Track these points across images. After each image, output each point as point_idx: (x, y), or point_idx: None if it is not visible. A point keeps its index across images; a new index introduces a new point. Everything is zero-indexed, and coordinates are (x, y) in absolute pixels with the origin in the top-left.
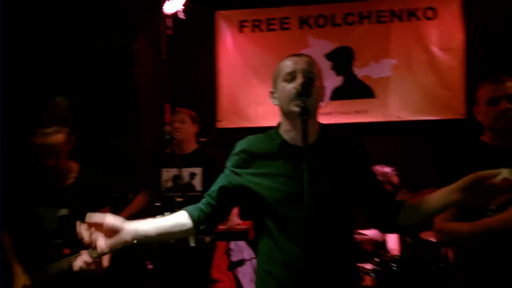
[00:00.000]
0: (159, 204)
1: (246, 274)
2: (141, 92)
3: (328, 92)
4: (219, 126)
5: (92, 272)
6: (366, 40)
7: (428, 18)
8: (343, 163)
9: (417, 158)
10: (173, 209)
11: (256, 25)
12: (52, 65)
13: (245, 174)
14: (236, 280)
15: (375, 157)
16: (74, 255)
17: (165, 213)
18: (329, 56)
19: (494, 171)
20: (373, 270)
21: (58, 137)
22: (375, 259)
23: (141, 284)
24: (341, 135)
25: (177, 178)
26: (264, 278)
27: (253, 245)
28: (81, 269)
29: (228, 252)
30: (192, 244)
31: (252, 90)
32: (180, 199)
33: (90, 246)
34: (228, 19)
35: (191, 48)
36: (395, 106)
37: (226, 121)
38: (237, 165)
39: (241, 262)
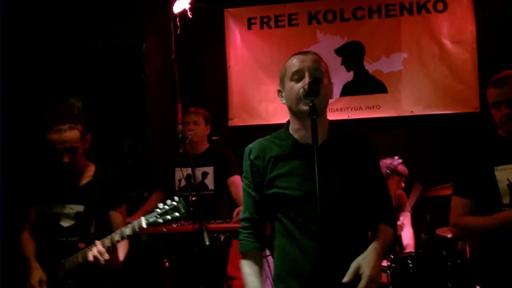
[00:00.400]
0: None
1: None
2: (151, 92)
3: (338, 88)
4: (231, 124)
5: (107, 265)
6: (376, 34)
7: (439, 11)
8: (353, 160)
9: (430, 153)
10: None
11: (264, 22)
12: (63, 65)
13: (264, 179)
14: None
15: (387, 152)
16: (88, 247)
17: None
18: (338, 51)
19: None
20: (388, 267)
21: (72, 133)
22: (390, 255)
23: (158, 281)
24: (351, 133)
25: (190, 177)
26: (283, 277)
27: (268, 242)
28: (95, 259)
29: None
30: (207, 242)
31: (263, 88)
32: (194, 198)
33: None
34: (236, 16)
35: (200, 47)
36: (407, 101)
37: (237, 119)
38: (256, 174)
39: None
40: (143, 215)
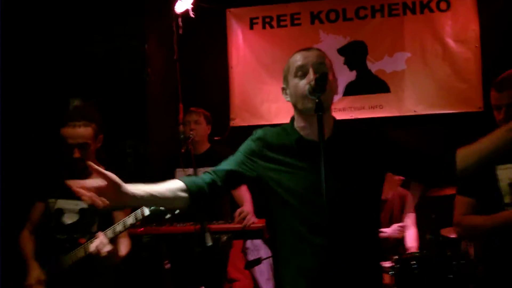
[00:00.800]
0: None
1: (263, 272)
2: (153, 92)
3: (341, 88)
4: (233, 125)
5: (108, 258)
6: (379, 33)
7: (442, 10)
8: (361, 155)
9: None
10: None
11: (266, 22)
12: (65, 66)
13: (260, 164)
14: (253, 278)
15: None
16: (89, 240)
17: None
18: (341, 51)
19: None
20: (392, 268)
21: (86, 130)
22: (394, 256)
23: (159, 282)
24: (356, 128)
25: None
26: (289, 278)
27: (269, 243)
28: (97, 250)
29: (244, 251)
30: (209, 243)
31: (265, 88)
32: None
33: (91, 202)
34: (238, 16)
35: (202, 47)
36: (411, 100)
37: (239, 119)
38: (253, 153)
39: (258, 261)
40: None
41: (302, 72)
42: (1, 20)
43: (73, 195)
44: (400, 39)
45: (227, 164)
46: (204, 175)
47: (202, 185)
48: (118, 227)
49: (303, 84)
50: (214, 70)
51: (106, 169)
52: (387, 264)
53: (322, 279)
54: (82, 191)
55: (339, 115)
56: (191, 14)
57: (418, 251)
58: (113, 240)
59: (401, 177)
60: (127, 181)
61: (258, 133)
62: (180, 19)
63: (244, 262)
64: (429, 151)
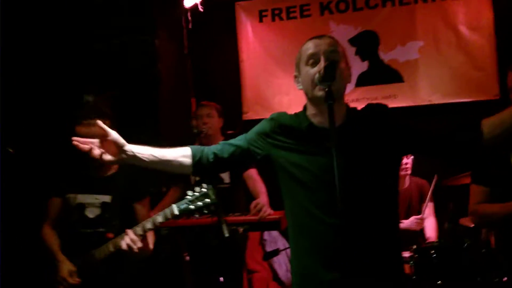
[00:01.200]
0: None
1: (281, 263)
2: (164, 87)
3: (353, 78)
4: (245, 118)
5: (139, 253)
6: (390, 23)
7: None
8: (374, 141)
9: None
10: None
11: (276, 14)
12: (76, 62)
13: (272, 143)
14: (272, 270)
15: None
16: (119, 236)
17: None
18: (352, 41)
19: None
20: (410, 258)
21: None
22: (413, 246)
23: (178, 275)
24: (367, 112)
25: None
26: (300, 257)
27: (286, 234)
28: (128, 247)
29: (262, 242)
30: (227, 234)
31: (276, 80)
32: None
33: (90, 155)
34: (247, 9)
35: (212, 41)
36: (425, 90)
37: (252, 113)
38: (265, 133)
39: (276, 252)
40: (163, 209)
41: (313, 60)
42: (10, 14)
43: (93, 190)
44: (412, 28)
45: (238, 140)
46: (214, 146)
47: (207, 154)
48: (148, 224)
49: (314, 72)
50: (225, 64)
51: (120, 166)
52: (406, 254)
53: (336, 258)
54: (82, 141)
55: (352, 106)
56: (200, 8)
57: (437, 240)
58: (143, 236)
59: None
60: (142, 176)
61: (273, 115)
62: (189, 14)
63: (262, 253)
64: (450, 127)
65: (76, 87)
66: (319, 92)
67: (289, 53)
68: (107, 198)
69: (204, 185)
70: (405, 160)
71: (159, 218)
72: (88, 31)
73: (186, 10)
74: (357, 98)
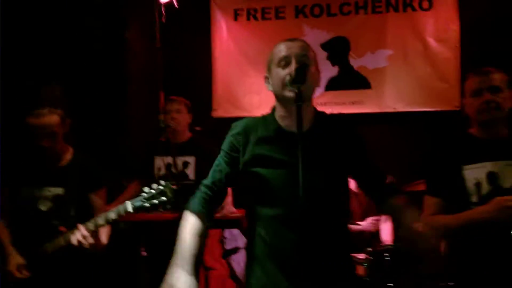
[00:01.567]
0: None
1: (240, 262)
2: (133, 80)
3: (323, 83)
4: (214, 115)
5: (90, 249)
6: (362, 30)
7: (424, 9)
8: (337, 148)
9: (412, 149)
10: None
11: (251, 14)
12: (43, 52)
13: (242, 159)
14: (230, 267)
15: (370, 147)
16: (71, 231)
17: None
18: (324, 46)
19: None
20: (365, 260)
21: (52, 118)
22: (368, 249)
23: (135, 270)
24: (335, 121)
25: (170, 166)
26: (260, 258)
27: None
28: (79, 243)
29: (222, 240)
30: None
31: (248, 79)
32: (174, 186)
33: None
34: (222, 7)
35: (185, 36)
36: (391, 97)
37: (221, 110)
38: (234, 149)
39: (235, 250)
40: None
41: (285, 62)
42: None
43: (45, 182)
44: (382, 36)
45: (220, 171)
46: (204, 191)
47: (210, 206)
48: (100, 220)
49: (284, 73)
50: (197, 60)
51: (76, 151)
52: (361, 256)
53: (294, 264)
54: None
55: (320, 110)
56: (175, 3)
57: (392, 244)
58: (94, 233)
59: None
60: (96, 167)
61: (237, 127)
62: (163, 7)
63: (221, 251)
64: (376, 177)
65: (41, 77)
66: (289, 93)
67: (262, 53)
68: (59, 190)
69: (162, 181)
70: None
71: (112, 215)
72: (56, 20)
73: (160, 4)
74: (325, 102)
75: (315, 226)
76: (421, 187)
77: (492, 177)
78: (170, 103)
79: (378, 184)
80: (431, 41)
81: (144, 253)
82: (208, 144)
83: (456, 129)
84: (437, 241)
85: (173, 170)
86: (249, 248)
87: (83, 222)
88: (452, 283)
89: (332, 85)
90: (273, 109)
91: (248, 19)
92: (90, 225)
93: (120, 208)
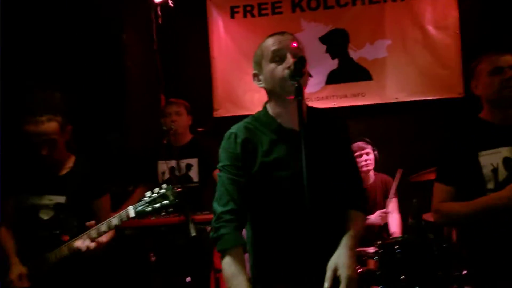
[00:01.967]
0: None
1: (248, 261)
2: (132, 83)
3: (323, 76)
4: (216, 115)
5: (92, 252)
6: (360, 21)
7: None
8: (331, 142)
9: (416, 139)
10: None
11: (247, 11)
12: (42, 57)
13: (249, 164)
14: None
15: (373, 139)
16: (73, 239)
17: None
18: (323, 39)
19: None
20: (375, 253)
21: (51, 125)
22: (377, 242)
23: (144, 275)
24: (327, 116)
25: (174, 169)
26: (261, 263)
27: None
28: (82, 251)
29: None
30: (193, 234)
31: (247, 77)
32: (179, 189)
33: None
34: (219, 5)
35: (183, 37)
36: (392, 88)
37: (223, 110)
38: (238, 159)
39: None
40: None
41: (279, 56)
42: None
43: (46, 190)
44: (381, 27)
45: (230, 192)
46: (227, 219)
47: (240, 229)
48: (103, 227)
49: (282, 69)
50: (196, 60)
51: (77, 158)
52: (371, 249)
53: (299, 272)
54: None
55: (322, 104)
56: (170, 3)
57: (401, 236)
58: (97, 239)
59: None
60: (98, 174)
61: (233, 135)
62: (159, 8)
63: None
64: (352, 180)
65: (40, 82)
66: (289, 87)
67: None
68: (61, 199)
69: (164, 185)
70: (364, 157)
71: (115, 221)
72: (54, 24)
73: (156, 4)
74: (326, 96)
75: (324, 221)
76: (428, 176)
77: (508, 162)
78: (170, 106)
79: (350, 186)
80: (430, 28)
81: (153, 258)
82: (210, 145)
83: (463, 115)
84: (448, 228)
85: (177, 173)
86: (256, 247)
87: (86, 230)
88: (465, 271)
89: (333, 78)
90: (265, 107)
91: (245, 16)
92: (93, 232)
93: (123, 213)
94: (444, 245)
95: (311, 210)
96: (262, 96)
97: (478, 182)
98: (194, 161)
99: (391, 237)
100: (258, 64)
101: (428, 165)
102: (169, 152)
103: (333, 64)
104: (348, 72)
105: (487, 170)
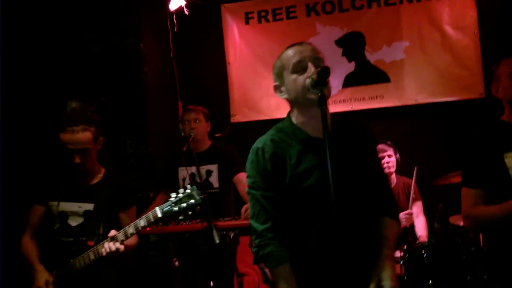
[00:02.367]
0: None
1: None
2: (151, 91)
3: (340, 79)
4: (233, 121)
5: (118, 255)
6: (376, 23)
7: None
8: (357, 150)
9: (436, 141)
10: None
11: (262, 16)
12: (61, 68)
13: (280, 176)
14: (262, 272)
15: (393, 142)
16: (99, 244)
17: None
18: (339, 42)
19: None
20: (401, 258)
21: (85, 134)
22: (403, 246)
23: (168, 281)
24: (350, 123)
25: (194, 176)
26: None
27: None
28: (108, 254)
29: (252, 245)
30: (217, 241)
31: (263, 82)
32: (201, 196)
33: None
34: (233, 12)
35: (198, 44)
36: (411, 90)
37: (240, 115)
38: (277, 173)
39: None
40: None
41: (300, 67)
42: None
43: (76, 198)
44: (397, 28)
45: (270, 204)
46: (269, 237)
47: (283, 243)
48: (130, 229)
49: (303, 78)
50: (212, 67)
51: (107, 170)
52: (397, 254)
53: (326, 263)
54: None
55: (339, 107)
56: (186, 11)
57: (428, 240)
58: (123, 242)
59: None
60: (135, 182)
61: (260, 150)
62: (174, 17)
63: (252, 256)
64: (385, 185)
65: (61, 92)
66: (313, 97)
67: (276, 55)
68: (90, 206)
69: (188, 186)
70: (386, 159)
71: (142, 222)
72: (71, 36)
73: (171, 13)
74: (344, 99)
75: (354, 229)
76: (453, 179)
77: None
78: (188, 113)
79: (381, 194)
80: (448, 29)
81: (177, 264)
82: (229, 151)
83: (484, 116)
84: (475, 234)
85: (197, 179)
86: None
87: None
88: (494, 277)
89: (350, 81)
90: (288, 117)
91: (260, 21)
92: (120, 235)
93: (150, 214)
94: (472, 249)
95: (340, 219)
96: (279, 101)
97: (505, 184)
98: (214, 167)
99: (418, 241)
100: (279, 76)
101: (450, 168)
102: (189, 158)
103: (349, 67)
104: (366, 74)
105: None
